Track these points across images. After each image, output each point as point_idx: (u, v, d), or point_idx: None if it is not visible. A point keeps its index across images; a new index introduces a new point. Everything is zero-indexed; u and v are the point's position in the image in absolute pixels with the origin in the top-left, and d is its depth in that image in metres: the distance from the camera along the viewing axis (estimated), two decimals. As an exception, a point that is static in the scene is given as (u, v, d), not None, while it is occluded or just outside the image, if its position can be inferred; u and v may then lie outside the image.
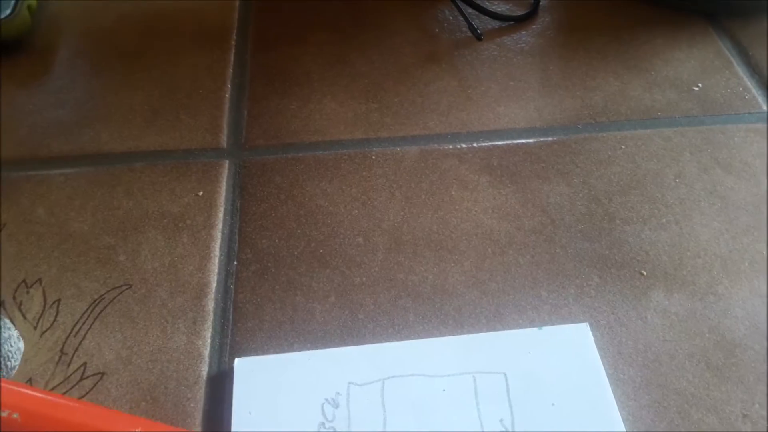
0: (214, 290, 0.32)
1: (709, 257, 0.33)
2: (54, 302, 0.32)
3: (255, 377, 0.28)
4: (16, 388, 0.21)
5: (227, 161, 0.38)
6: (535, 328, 0.30)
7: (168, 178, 0.38)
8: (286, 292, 0.32)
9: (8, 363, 0.21)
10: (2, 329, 0.21)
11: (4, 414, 0.19)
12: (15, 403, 0.20)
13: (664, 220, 0.35)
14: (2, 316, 0.21)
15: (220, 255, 0.34)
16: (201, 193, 0.37)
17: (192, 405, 0.28)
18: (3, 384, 0.21)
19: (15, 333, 0.21)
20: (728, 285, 0.32)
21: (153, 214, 0.36)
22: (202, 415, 0.28)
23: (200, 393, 0.29)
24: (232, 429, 0.27)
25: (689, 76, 0.43)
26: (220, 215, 0.36)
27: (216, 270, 0.33)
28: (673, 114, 0.41)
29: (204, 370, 0.30)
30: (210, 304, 0.32)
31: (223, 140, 0.40)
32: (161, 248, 0.34)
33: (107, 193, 0.37)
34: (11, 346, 0.21)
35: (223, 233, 0.35)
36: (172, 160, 0.39)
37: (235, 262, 0.34)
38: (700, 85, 0.42)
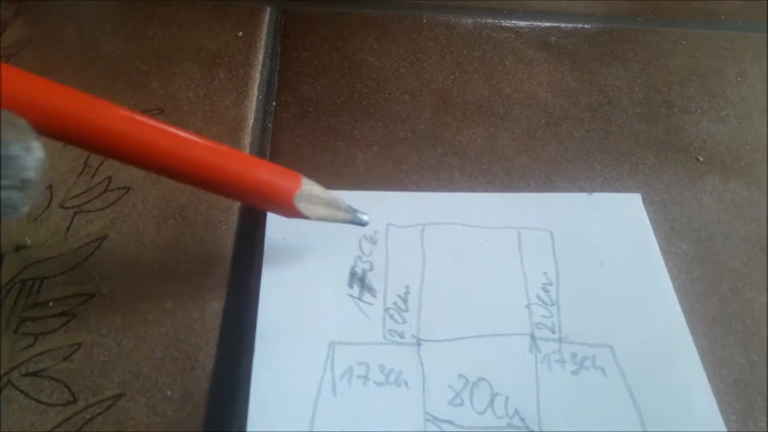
0: (251, 126, 0.31)
1: (768, 153, 0.32)
2: (80, 118, 0.30)
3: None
4: None
5: (269, 7, 0.36)
6: (585, 193, 0.29)
7: (206, 16, 0.35)
8: (327, 136, 0.31)
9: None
10: None
11: None
12: None
13: (723, 114, 0.33)
14: None
15: (258, 94, 0.32)
16: (240, 33, 0.35)
17: (224, 228, 0.27)
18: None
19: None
20: (786, 181, 0.31)
21: (189, 47, 0.34)
22: (235, 238, 0.27)
23: (233, 218, 0.27)
24: (265, 255, 0.26)
25: (758, -16, 0.41)
26: (260, 57, 0.34)
27: (253, 108, 0.31)
28: (738, 19, 0.39)
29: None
30: (246, 139, 0.30)
31: (266, -12, 0.37)
32: (196, 80, 0.32)
33: (141, 23, 0.35)
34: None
35: (262, 74, 0.33)
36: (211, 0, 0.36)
37: (274, 103, 0.32)
38: (769, -7, 0.40)
